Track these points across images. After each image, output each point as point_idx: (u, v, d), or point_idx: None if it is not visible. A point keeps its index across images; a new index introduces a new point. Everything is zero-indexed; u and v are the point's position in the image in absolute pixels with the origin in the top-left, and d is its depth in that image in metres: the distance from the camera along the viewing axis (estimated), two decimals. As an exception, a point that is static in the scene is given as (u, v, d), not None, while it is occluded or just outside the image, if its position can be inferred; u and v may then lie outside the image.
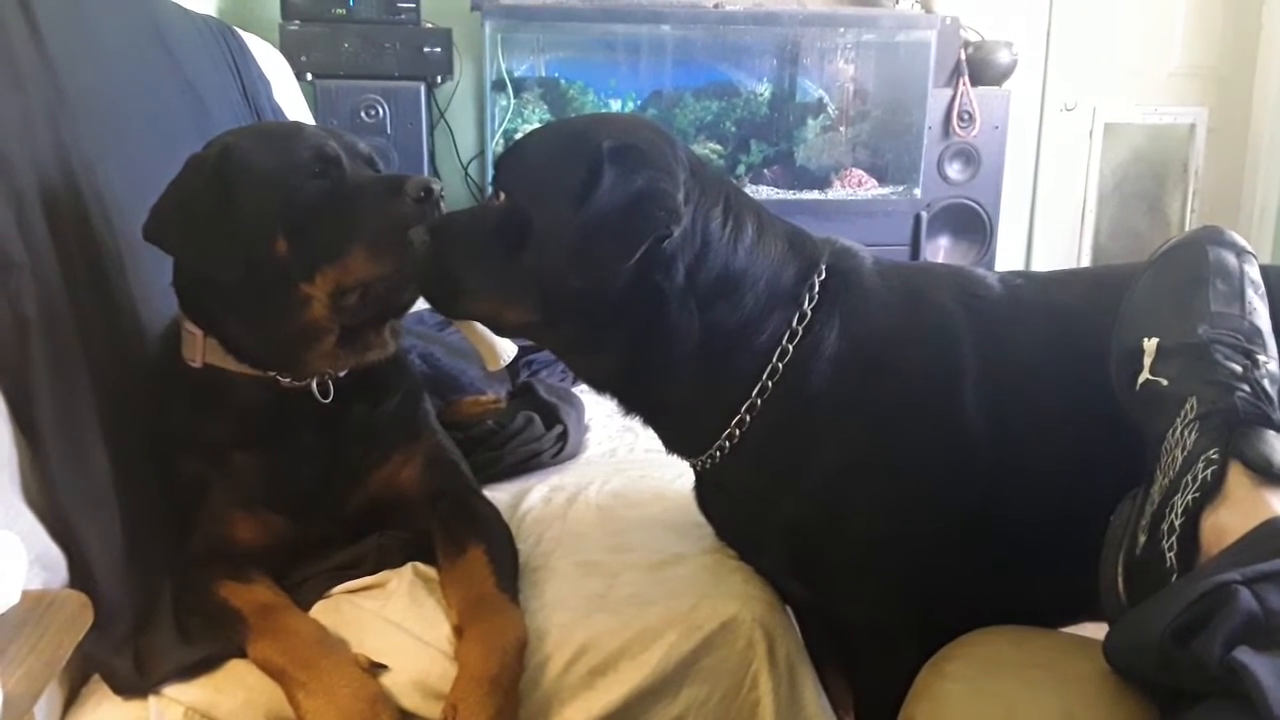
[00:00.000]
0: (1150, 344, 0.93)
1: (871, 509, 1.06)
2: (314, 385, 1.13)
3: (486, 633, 1.01)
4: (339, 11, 3.04)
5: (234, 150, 1.10)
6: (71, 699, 0.99)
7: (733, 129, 3.69)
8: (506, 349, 1.29)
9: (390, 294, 1.11)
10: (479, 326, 1.19)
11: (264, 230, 1.07)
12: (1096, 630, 0.83)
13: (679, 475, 1.39)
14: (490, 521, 1.20)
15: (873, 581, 1.09)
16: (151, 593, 1.07)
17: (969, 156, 3.62)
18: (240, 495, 1.13)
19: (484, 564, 1.09)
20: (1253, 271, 0.98)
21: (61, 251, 1.07)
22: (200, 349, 1.11)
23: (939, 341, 1.07)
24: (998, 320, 1.09)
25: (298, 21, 3.02)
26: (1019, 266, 4.27)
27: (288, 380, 1.12)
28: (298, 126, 1.21)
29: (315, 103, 2.92)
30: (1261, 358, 0.88)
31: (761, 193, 3.58)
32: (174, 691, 0.98)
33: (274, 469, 1.13)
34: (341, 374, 1.15)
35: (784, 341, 1.05)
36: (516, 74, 3.51)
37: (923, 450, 1.05)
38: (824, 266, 1.08)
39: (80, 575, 0.99)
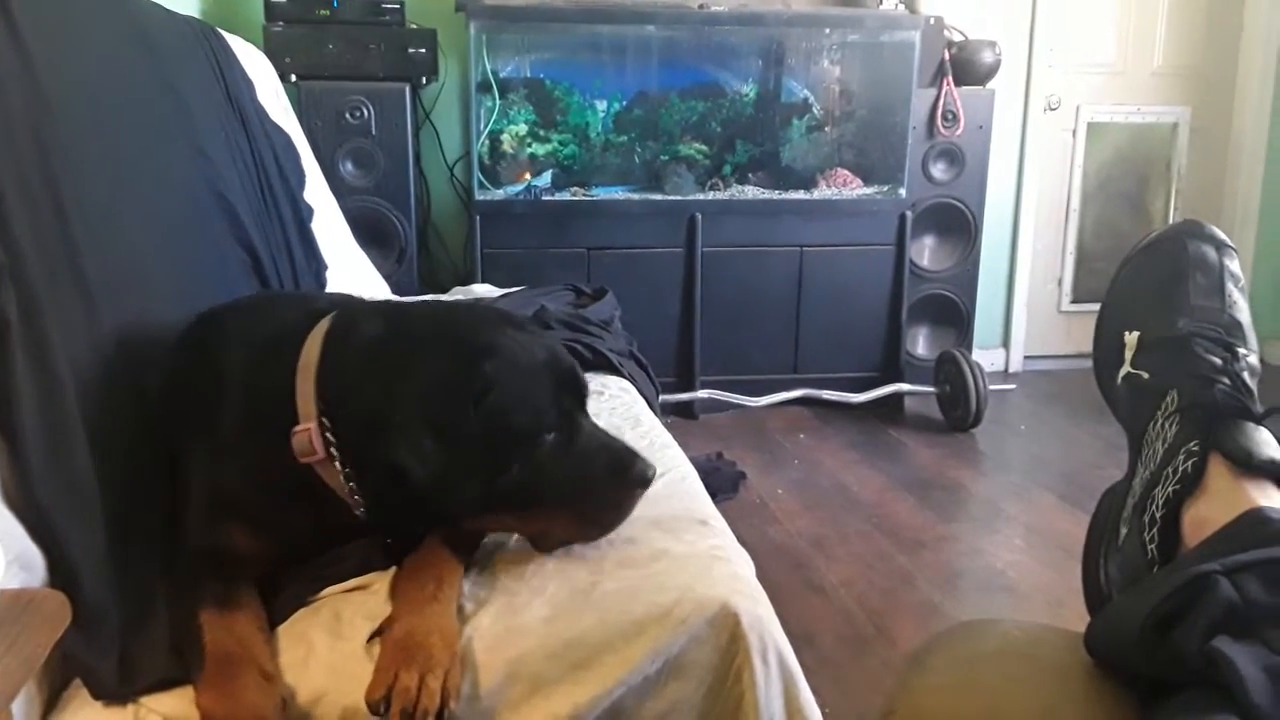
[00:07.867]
0: (1131, 337, 0.93)
1: None
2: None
3: (415, 571, 1.06)
4: (323, 13, 3.04)
5: (495, 388, 1.05)
6: (53, 702, 0.98)
7: (718, 129, 3.70)
8: None
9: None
10: None
11: (499, 469, 1.06)
12: (1078, 622, 0.83)
13: (667, 471, 1.39)
14: None
15: None
16: (143, 597, 1.05)
17: (953, 156, 3.63)
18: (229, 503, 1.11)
19: (436, 539, 1.11)
20: (1233, 265, 0.98)
21: (42, 253, 1.06)
22: (314, 455, 1.06)
23: None
24: None
25: (281, 23, 3.02)
26: (1004, 265, 4.29)
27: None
28: (550, 364, 1.13)
29: (300, 104, 2.91)
30: (1241, 350, 0.88)
31: (747, 193, 3.59)
32: (152, 701, 0.97)
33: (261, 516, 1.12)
34: None
35: None
36: (502, 75, 3.51)
37: None
38: None
39: (62, 577, 0.98)
